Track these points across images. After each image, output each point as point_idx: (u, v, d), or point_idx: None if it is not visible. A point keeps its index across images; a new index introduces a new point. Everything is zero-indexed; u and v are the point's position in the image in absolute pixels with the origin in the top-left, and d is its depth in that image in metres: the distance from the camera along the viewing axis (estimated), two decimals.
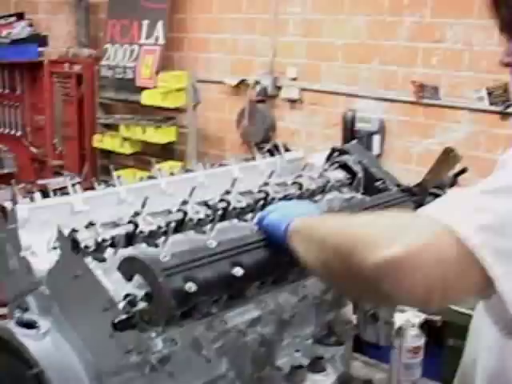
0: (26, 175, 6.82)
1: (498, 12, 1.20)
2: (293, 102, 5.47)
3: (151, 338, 1.31)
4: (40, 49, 6.53)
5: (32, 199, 1.59)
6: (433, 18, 4.50)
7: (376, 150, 4.90)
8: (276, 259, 1.33)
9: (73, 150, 6.76)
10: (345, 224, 1.17)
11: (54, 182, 6.50)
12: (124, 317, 1.23)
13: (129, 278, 1.26)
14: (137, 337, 1.29)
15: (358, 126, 4.99)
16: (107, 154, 6.61)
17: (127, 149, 6.23)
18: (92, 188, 1.75)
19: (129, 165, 6.50)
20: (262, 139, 5.56)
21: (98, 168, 6.74)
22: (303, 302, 1.68)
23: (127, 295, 1.25)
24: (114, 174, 1.76)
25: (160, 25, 5.97)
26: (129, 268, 1.26)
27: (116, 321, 1.23)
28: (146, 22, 6.09)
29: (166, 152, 6.17)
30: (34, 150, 6.89)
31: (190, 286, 1.22)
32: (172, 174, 1.90)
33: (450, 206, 1.04)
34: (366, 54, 4.94)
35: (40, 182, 6.61)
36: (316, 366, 1.82)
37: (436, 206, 1.06)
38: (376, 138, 4.91)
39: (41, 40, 6.55)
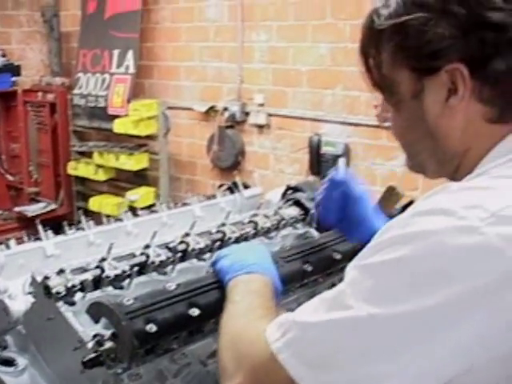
0: (3, 202, 6.94)
1: (369, 72, 1.24)
2: (261, 127, 5.62)
3: (118, 374, 1.44)
4: (13, 78, 6.66)
5: (8, 246, 1.73)
6: None
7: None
8: None
9: (48, 177, 6.88)
10: (231, 324, 1.29)
11: (30, 209, 6.62)
12: (92, 355, 1.36)
13: (96, 321, 1.40)
14: (105, 373, 1.42)
15: (324, 149, 5.14)
16: (82, 180, 6.74)
17: (101, 175, 6.34)
18: (62, 230, 1.88)
19: (103, 191, 6.62)
20: (231, 164, 5.72)
21: (74, 194, 6.84)
22: None
23: (95, 335, 1.40)
24: (83, 218, 1.88)
25: (130, 54, 6.10)
26: (96, 312, 1.40)
27: (85, 359, 1.36)
28: (116, 52, 6.21)
29: (139, 178, 6.29)
30: (9, 177, 7.00)
31: (151, 327, 1.37)
32: (137, 215, 2.03)
33: (286, 337, 1.06)
34: (329, 80, 5.10)
35: (17, 209, 6.73)
36: None
37: (273, 333, 1.10)
38: (341, 161, 5.04)
39: (14, 69, 6.67)
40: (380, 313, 0.98)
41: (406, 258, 0.99)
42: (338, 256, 1.83)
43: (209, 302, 1.48)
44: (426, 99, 1.16)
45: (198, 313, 1.44)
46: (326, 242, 1.85)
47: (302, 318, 1.07)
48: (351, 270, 1.07)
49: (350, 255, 1.86)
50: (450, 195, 1.03)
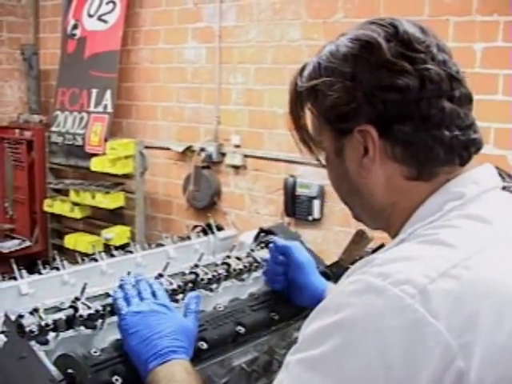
0: None
1: (299, 131, 1.32)
2: (237, 168, 5.65)
3: None
4: None
5: None
6: None
7: (316, 214, 5.10)
8: None
9: (24, 214, 6.87)
10: None
11: (5, 246, 6.60)
12: None
13: (63, 372, 1.42)
14: None
15: (299, 191, 5.18)
16: (58, 217, 6.73)
17: (77, 213, 6.35)
18: (36, 267, 1.90)
19: (79, 229, 6.62)
20: (207, 204, 5.75)
21: (49, 231, 6.83)
22: (231, 372, 1.82)
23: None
24: (57, 258, 1.91)
25: (109, 93, 6.14)
26: (63, 363, 1.43)
27: None
28: (95, 91, 6.25)
29: (115, 217, 6.30)
30: None
31: (117, 379, 1.41)
32: (112, 255, 2.06)
33: None
34: None
35: None
36: None
37: None
38: (316, 203, 5.11)
39: None
40: None
41: (343, 348, 0.98)
42: None
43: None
44: (346, 158, 1.19)
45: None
46: None
47: None
48: (291, 364, 1.05)
49: None
50: (377, 269, 1.02)
